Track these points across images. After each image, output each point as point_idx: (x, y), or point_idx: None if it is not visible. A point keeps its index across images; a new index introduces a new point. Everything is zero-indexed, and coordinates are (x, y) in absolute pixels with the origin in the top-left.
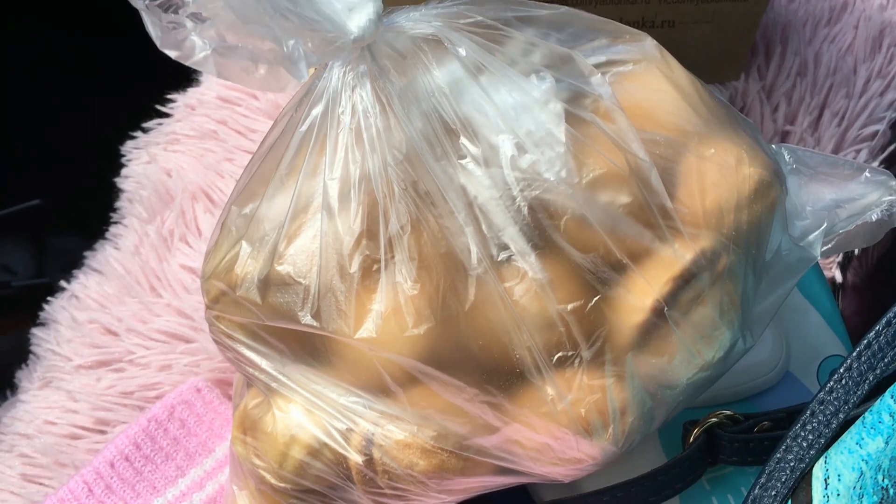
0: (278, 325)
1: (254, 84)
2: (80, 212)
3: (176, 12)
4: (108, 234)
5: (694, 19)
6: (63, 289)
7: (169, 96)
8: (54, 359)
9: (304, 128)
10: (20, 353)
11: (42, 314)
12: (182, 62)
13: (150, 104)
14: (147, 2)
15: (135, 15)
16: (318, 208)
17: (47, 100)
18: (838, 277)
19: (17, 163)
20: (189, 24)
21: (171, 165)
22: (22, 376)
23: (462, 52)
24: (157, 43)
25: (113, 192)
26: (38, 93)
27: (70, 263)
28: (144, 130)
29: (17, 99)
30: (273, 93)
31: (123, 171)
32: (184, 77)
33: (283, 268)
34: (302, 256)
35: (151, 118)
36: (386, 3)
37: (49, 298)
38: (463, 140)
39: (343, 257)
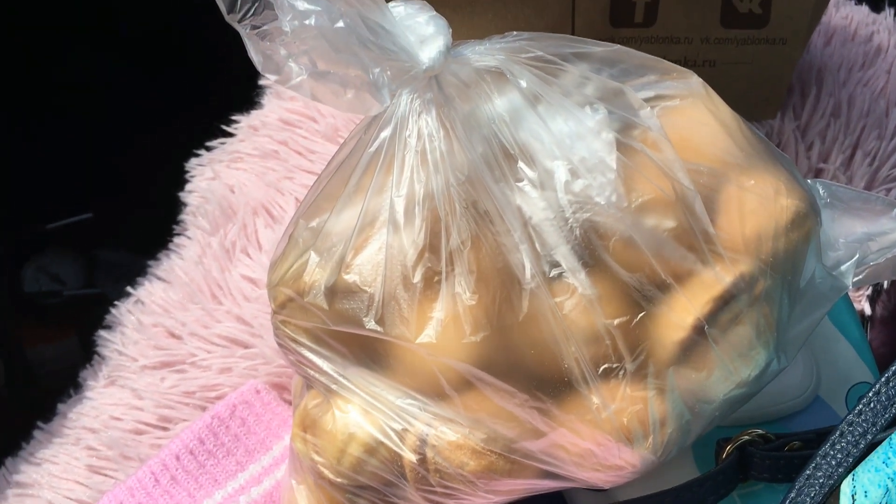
0: (343, 330)
1: (342, 106)
2: (130, 226)
3: (272, 41)
4: (172, 245)
5: (734, 60)
6: (127, 294)
7: (233, 117)
8: (120, 359)
9: (372, 149)
10: (67, 360)
11: (108, 317)
12: (281, 85)
13: (215, 125)
14: (248, 31)
15: (202, 42)
16: (384, 223)
17: (112, 118)
18: (867, 310)
19: (72, 178)
20: (283, 51)
21: (234, 182)
22: (87, 375)
23: (523, 83)
24: (259, 68)
25: (165, 209)
26: (99, 112)
27: (118, 275)
28: (208, 149)
29: (76, 117)
30: (339, 113)
31: (188, 186)
32: (247, 100)
33: (349, 277)
34: (368, 267)
35: (216, 138)
36: (454, 36)
37: (103, 307)
38: (520, 164)
39: (407, 268)
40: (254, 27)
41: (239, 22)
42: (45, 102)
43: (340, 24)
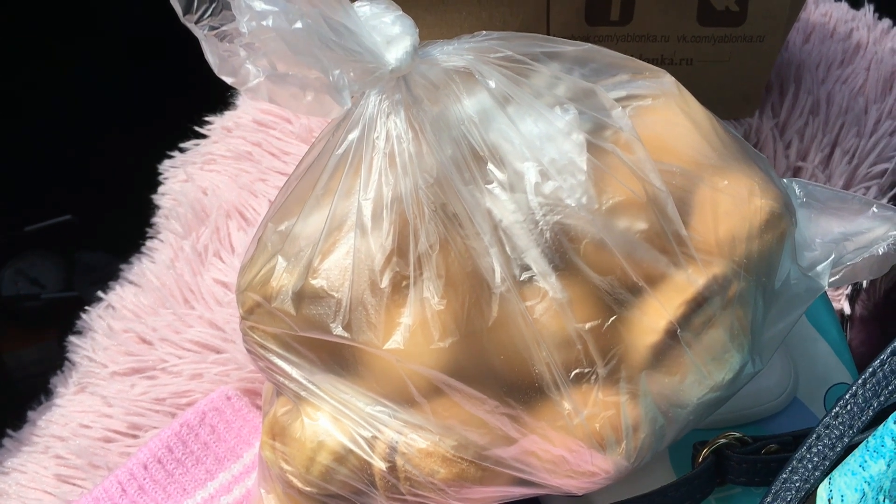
0: (310, 336)
1: (301, 109)
2: (109, 229)
3: (231, 42)
4: (144, 249)
5: (711, 58)
6: (99, 299)
7: (206, 118)
8: (90, 365)
9: (340, 151)
10: (47, 364)
11: (79, 323)
12: (237, 87)
13: (188, 126)
14: (206, 32)
15: (176, 43)
16: (351, 227)
17: (86, 119)
18: (847, 309)
19: (52, 180)
20: (242, 52)
21: (207, 184)
22: (57, 382)
23: (492, 83)
24: (216, 70)
25: (143, 211)
26: (79, 113)
27: (98, 278)
28: (182, 150)
29: (58, 119)
30: (316, 117)
31: (161, 189)
32: (221, 101)
33: (317, 282)
34: (335, 271)
35: (189, 139)
36: (422, 36)
37: (79, 311)
38: (490, 166)
39: (374, 273)
40: (212, 28)
41: (196, 23)
42: (22, 104)
43: (299, 24)
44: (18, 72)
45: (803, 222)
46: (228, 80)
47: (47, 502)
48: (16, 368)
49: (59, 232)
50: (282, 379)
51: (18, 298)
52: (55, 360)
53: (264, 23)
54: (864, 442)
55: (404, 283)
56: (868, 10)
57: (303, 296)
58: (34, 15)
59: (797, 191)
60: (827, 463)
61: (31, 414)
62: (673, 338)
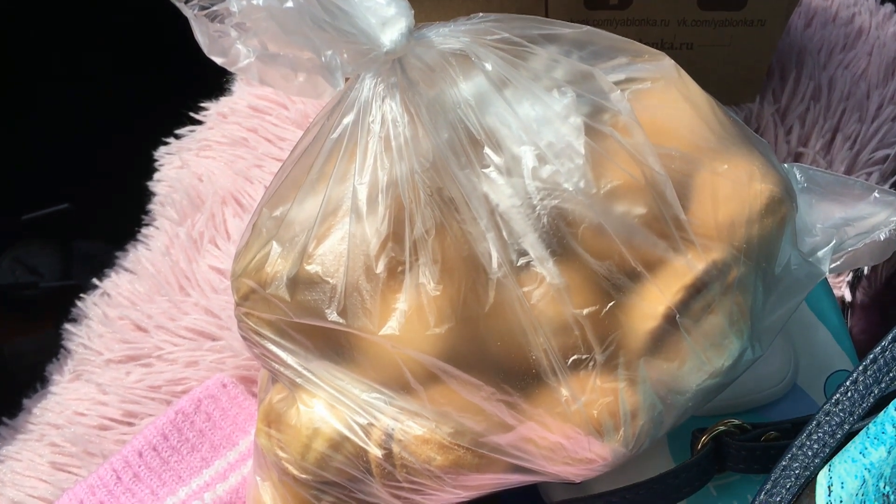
0: (305, 322)
1: (293, 90)
2: (107, 217)
3: (222, 22)
4: (139, 236)
5: (712, 42)
6: (95, 287)
7: (202, 104)
8: (86, 353)
9: (335, 135)
10: (45, 353)
11: (75, 310)
12: (227, 68)
13: (183, 112)
14: (196, 11)
15: (170, 28)
16: (346, 211)
17: (81, 108)
18: (848, 296)
19: (48, 168)
20: (233, 33)
21: (203, 171)
22: (52, 370)
23: (488, 66)
24: (205, 50)
25: (140, 199)
26: (73, 101)
27: (96, 266)
28: (177, 137)
29: (51, 107)
30: (309, 99)
31: (156, 176)
32: (216, 86)
33: (311, 267)
34: (330, 257)
35: (184, 125)
36: (417, 18)
37: (77, 300)
38: (487, 150)
39: (370, 258)
40: (202, 8)
41: (185, 3)
42: (19, 93)
43: (290, 4)
44: (15, 61)
45: (804, 207)
46: (218, 60)
47: (42, 490)
48: (14, 357)
49: (57, 220)
50: (277, 366)
51: (17, 287)
52: (53, 349)
53: (255, 2)
54: (865, 429)
55: (400, 268)
56: None
57: (297, 282)
58: (29, 3)
59: (798, 176)
60: (827, 450)
61: (26, 402)
62: (672, 323)
